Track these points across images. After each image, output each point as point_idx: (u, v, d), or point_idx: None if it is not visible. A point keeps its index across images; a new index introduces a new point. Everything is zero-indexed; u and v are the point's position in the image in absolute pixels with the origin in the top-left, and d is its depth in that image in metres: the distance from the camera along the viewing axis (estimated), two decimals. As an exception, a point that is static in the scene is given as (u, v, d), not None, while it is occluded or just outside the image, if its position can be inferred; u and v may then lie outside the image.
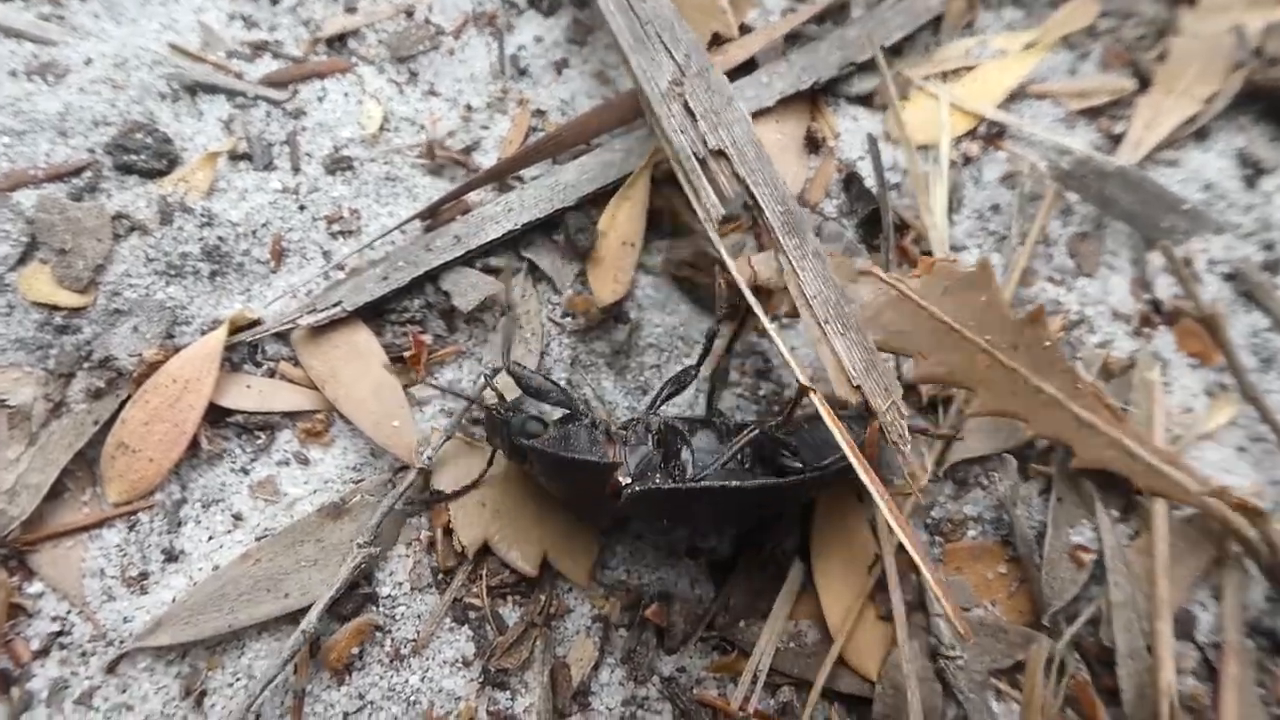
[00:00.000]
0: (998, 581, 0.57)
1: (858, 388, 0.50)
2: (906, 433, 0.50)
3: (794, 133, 0.71)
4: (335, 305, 0.60)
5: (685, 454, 0.52)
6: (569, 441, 0.52)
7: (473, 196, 0.67)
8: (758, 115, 0.70)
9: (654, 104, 0.58)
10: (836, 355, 0.51)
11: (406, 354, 0.61)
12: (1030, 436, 0.58)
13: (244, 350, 0.61)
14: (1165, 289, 0.64)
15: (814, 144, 0.70)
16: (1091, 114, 0.71)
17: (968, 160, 0.70)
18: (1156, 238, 0.65)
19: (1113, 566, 0.55)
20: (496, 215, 0.64)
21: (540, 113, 0.71)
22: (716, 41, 0.74)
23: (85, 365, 0.58)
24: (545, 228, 0.66)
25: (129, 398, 0.57)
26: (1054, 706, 0.49)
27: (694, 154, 0.56)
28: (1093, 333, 0.63)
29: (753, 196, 0.55)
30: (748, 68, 0.73)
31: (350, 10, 0.74)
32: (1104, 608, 0.54)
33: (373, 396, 0.59)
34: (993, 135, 0.71)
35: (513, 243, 0.65)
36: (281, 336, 0.61)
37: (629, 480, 0.51)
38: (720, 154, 0.56)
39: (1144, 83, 0.72)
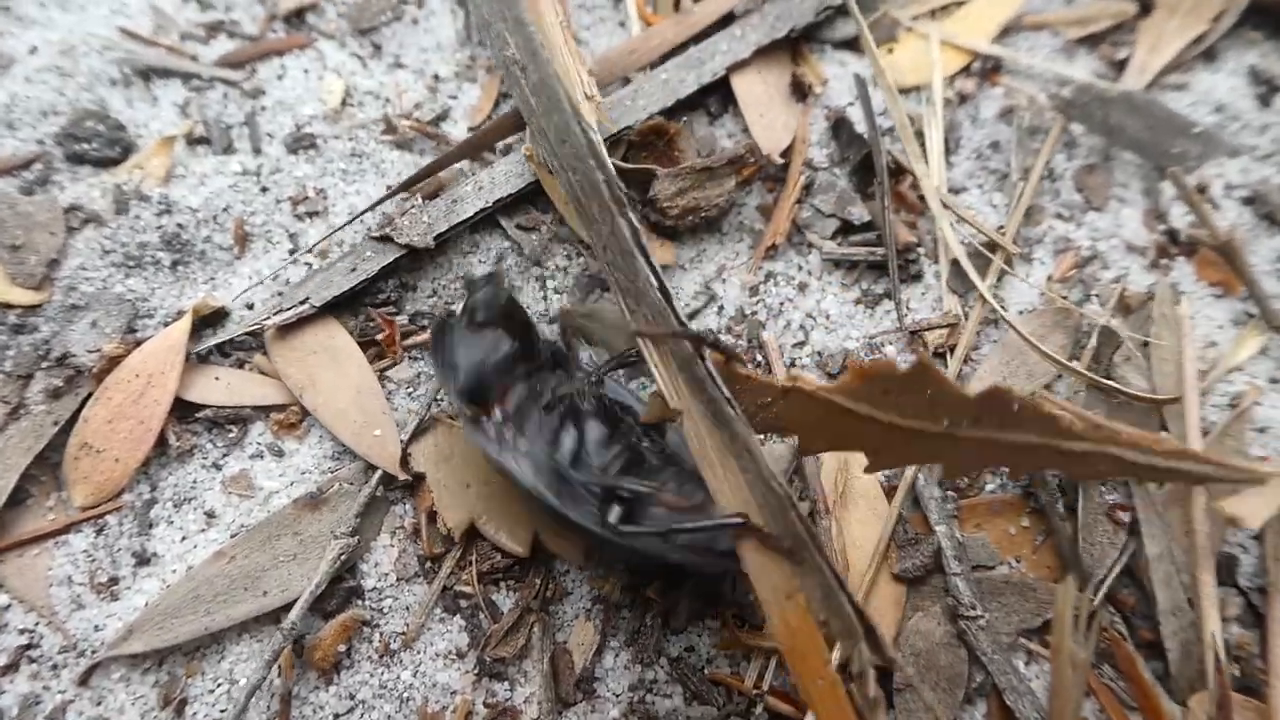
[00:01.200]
0: (1021, 536, 0.53)
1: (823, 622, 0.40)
2: (873, 684, 0.38)
3: (778, 83, 0.68)
4: (303, 302, 0.57)
5: (567, 439, 0.45)
6: (479, 339, 0.47)
7: (444, 173, 0.64)
8: (735, 69, 0.67)
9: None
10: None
11: (379, 336, 0.58)
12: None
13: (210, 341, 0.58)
14: (1181, 218, 0.60)
15: (800, 92, 0.67)
16: (1092, 41, 0.67)
17: (963, 99, 0.66)
18: (1168, 165, 0.61)
19: (1145, 518, 0.51)
20: (468, 195, 0.61)
21: (510, 78, 0.68)
22: (691, -6, 0.70)
23: (43, 365, 0.55)
24: (522, 201, 0.62)
25: (90, 396, 0.54)
26: (1086, 660, 0.45)
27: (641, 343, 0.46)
28: (1106, 268, 0.60)
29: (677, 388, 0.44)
30: (726, 22, 0.69)
31: (308, -16, 0.71)
32: (1139, 560, 0.51)
33: (353, 405, 0.56)
34: (988, 71, 0.67)
35: (488, 220, 0.62)
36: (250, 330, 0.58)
37: (490, 419, 0.46)
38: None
39: (1145, 6, 0.68)
